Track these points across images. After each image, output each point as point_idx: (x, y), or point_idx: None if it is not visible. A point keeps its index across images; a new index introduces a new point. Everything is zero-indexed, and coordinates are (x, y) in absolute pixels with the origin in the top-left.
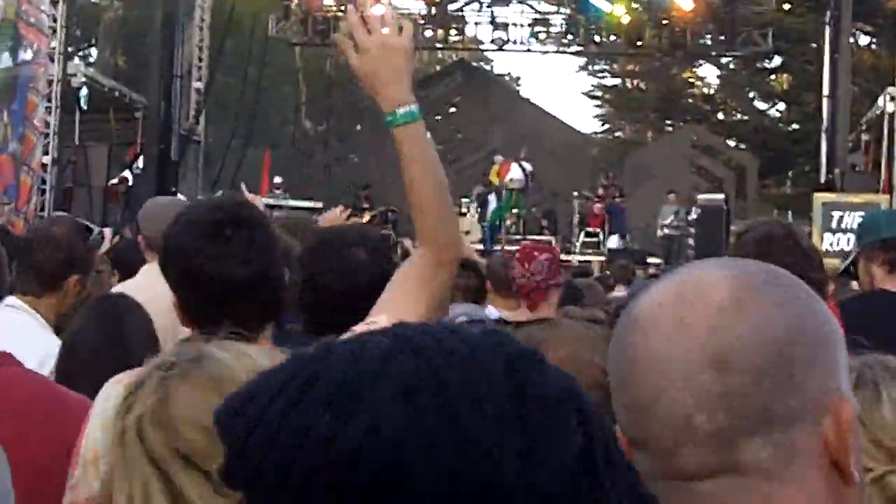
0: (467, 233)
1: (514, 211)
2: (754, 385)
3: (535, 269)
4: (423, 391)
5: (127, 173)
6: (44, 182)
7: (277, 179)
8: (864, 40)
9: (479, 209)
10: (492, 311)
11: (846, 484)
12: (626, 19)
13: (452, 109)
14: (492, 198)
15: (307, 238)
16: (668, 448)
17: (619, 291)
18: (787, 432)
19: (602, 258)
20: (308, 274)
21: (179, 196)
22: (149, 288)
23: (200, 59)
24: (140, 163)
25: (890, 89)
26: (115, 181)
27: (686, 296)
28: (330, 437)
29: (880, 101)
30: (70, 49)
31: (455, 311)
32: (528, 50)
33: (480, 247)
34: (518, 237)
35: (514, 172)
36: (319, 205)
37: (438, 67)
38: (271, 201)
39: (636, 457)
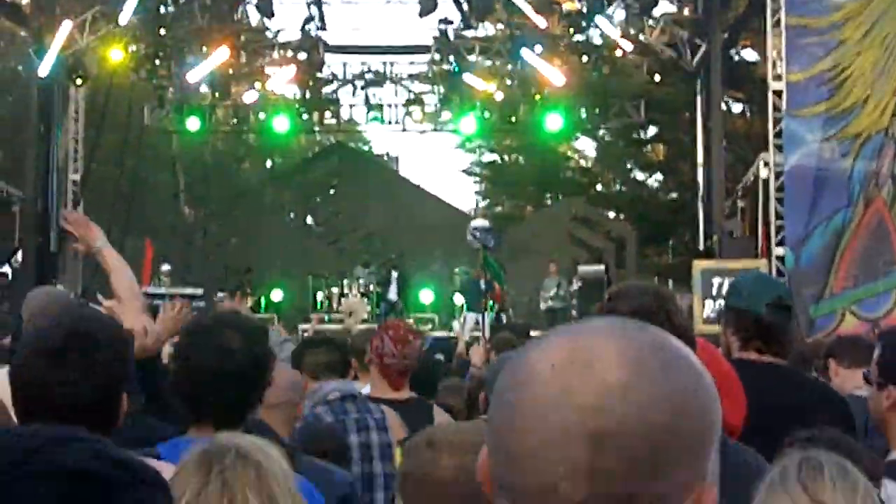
0: (350, 314)
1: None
2: (626, 469)
3: (408, 353)
4: None
5: (6, 268)
6: None
7: (165, 267)
8: (736, 108)
9: (379, 289)
10: (358, 386)
11: None
12: (499, 96)
13: (331, 191)
14: (394, 275)
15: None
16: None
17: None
18: None
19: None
20: (183, 356)
21: (59, 287)
22: None
23: (76, 151)
24: (19, 256)
25: (763, 155)
26: None
27: (577, 364)
28: None
29: (754, 167)
30: None
31: (325, 387)
32: (404, 129)
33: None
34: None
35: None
36: (199, 291)
37: (317, 149)
38: (151, 290)
39: (498, 499)
